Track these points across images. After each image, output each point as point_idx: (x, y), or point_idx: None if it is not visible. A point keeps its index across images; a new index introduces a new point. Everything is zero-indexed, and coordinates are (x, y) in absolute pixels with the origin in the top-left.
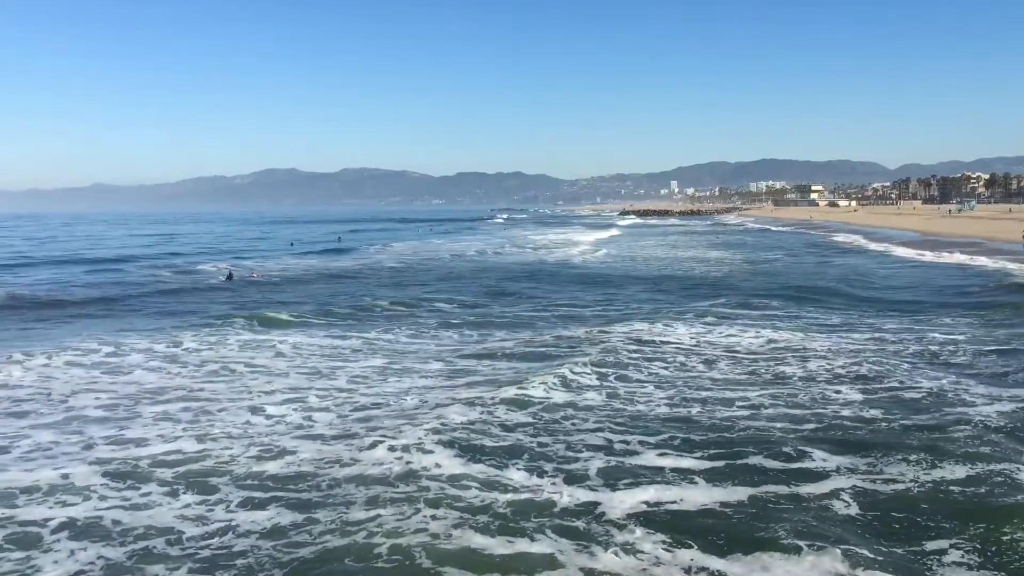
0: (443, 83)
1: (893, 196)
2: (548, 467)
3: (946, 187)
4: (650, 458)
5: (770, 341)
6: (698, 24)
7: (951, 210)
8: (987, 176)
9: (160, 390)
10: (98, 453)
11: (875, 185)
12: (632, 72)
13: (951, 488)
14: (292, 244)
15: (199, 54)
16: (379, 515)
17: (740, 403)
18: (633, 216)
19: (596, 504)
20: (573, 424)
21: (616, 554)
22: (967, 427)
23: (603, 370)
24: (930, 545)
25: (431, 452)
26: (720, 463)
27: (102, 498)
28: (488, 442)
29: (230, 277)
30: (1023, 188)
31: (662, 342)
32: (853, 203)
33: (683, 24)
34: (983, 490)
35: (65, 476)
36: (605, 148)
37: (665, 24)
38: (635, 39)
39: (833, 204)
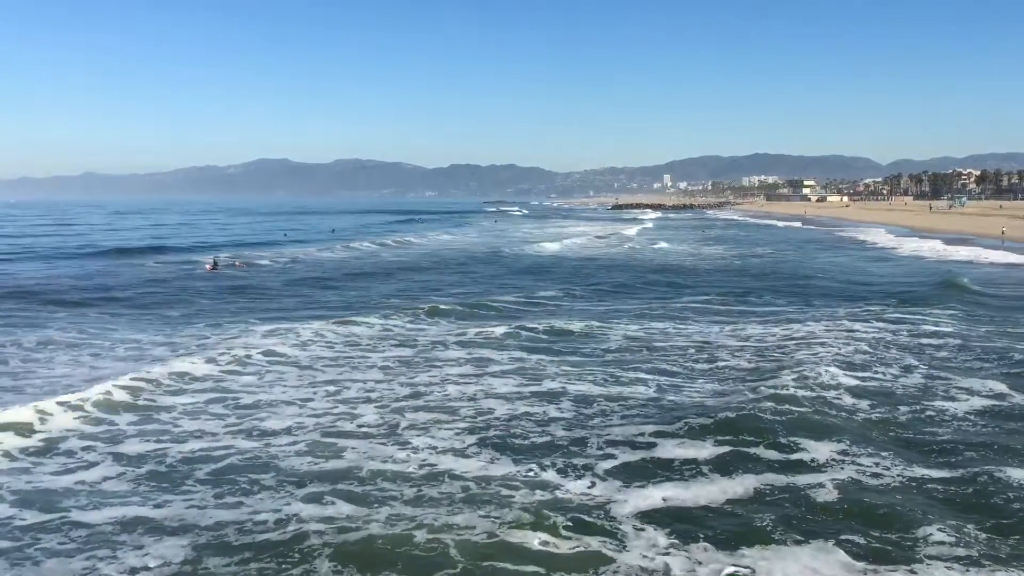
0: (437, 75)
1: (885, 192)
2: None
3: (937, 183)
4: None
5: None
6: (692, 18)
7: (931, 206)
8: (978, 172)
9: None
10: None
11: (867, 180)
12: (626, 66)
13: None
14: (285, 234)
15: (192, 43)
16: None
17: None
18: (650, 210)
19: None
20: None
21: None
22: None
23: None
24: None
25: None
26: None
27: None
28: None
29: (215, 266)
30: (1014, 184)
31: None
32: (844, 198)
33: (677, 18)
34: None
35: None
36: (599, 141)
37: (659, 18)
38: (629, 32)
39: (822, 199)
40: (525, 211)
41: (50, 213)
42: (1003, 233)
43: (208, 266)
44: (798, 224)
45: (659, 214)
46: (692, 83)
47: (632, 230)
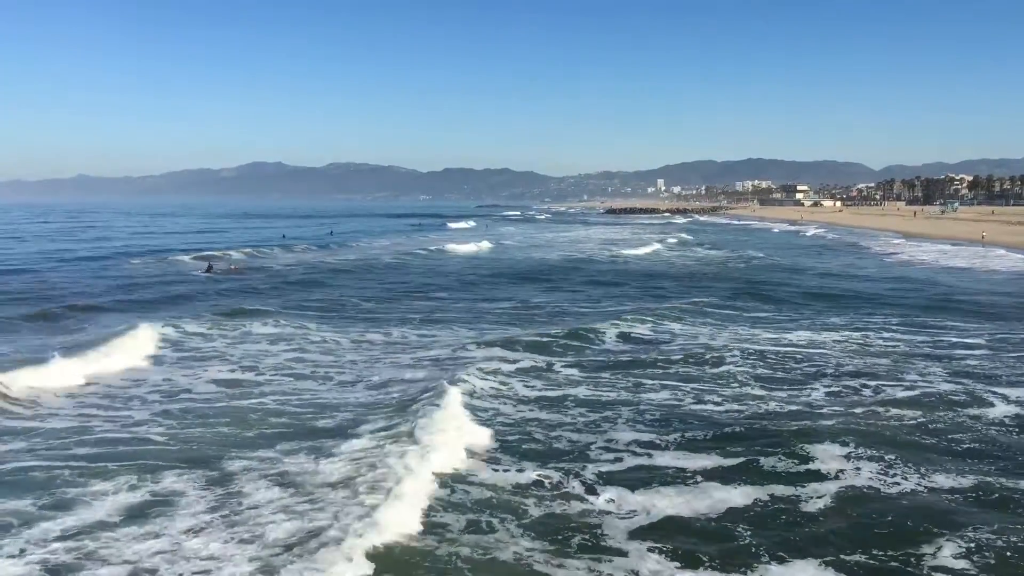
0: (431, 77)
1: (877, 197)
2: None
3: (930, 189)
4: None
5: None
6: (686, 23)
7: (916, 212)
8: (970, 178)
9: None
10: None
11: (860, 186)
12: (620, 70)
13: None
14: (283, 237)
15: (184, 45)
16: None
17: None
18: (667, 213)
19: None
20: None
21: None
22: None
23: None
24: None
25: None
26: None
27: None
28: None
29: (209, 269)
30: (1006, 190)
31: None
32: (838, 203)
33: (671, 23)
34: None
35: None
36: (592, 145)
37: (653, 23)
38: (623, 38)
39: (816, 204)
40: (548, 215)
41: (50, 215)
42: (983, 237)
43: (203, 269)
44: (816, 230)
45: (687, 219)
46: (686, 88)
47: (685, 236)
